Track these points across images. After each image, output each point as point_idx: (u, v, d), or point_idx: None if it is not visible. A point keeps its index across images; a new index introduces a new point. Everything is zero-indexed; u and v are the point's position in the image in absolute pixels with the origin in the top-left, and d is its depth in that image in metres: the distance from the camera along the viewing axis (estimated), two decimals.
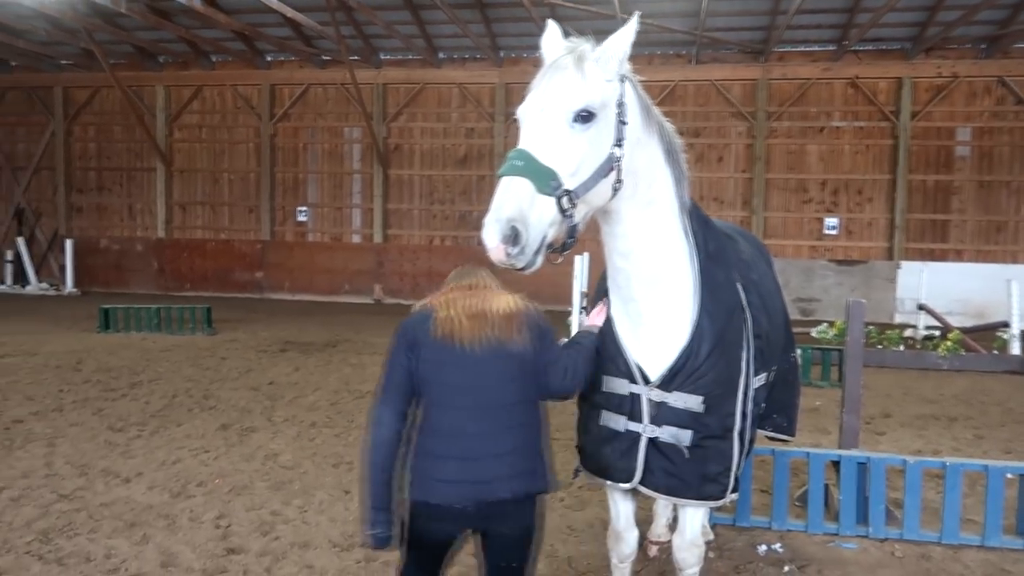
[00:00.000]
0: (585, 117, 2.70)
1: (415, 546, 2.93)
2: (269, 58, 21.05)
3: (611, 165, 2.78)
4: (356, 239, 21.11)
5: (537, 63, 2.86)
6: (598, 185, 2.75)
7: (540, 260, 2.63)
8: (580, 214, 2.72)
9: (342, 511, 5.31)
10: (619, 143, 2.79)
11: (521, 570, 2.98)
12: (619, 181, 2.82)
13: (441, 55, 20.03)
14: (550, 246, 2.65)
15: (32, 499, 5.43)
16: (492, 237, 2.52)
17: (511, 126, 19.61)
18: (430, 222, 20.60)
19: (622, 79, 2.83)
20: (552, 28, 2.95)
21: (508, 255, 2.53)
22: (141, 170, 22.17)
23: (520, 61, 19.60)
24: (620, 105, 2.80)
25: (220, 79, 21.39)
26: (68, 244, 20.61)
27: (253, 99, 21.32)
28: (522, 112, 2.79)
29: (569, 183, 2.64)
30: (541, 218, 2.58)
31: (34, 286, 21.01)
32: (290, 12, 15.11)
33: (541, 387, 3.00)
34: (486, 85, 19.97)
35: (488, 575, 2.98)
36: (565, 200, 2.62)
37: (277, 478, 5.99)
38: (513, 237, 2.52)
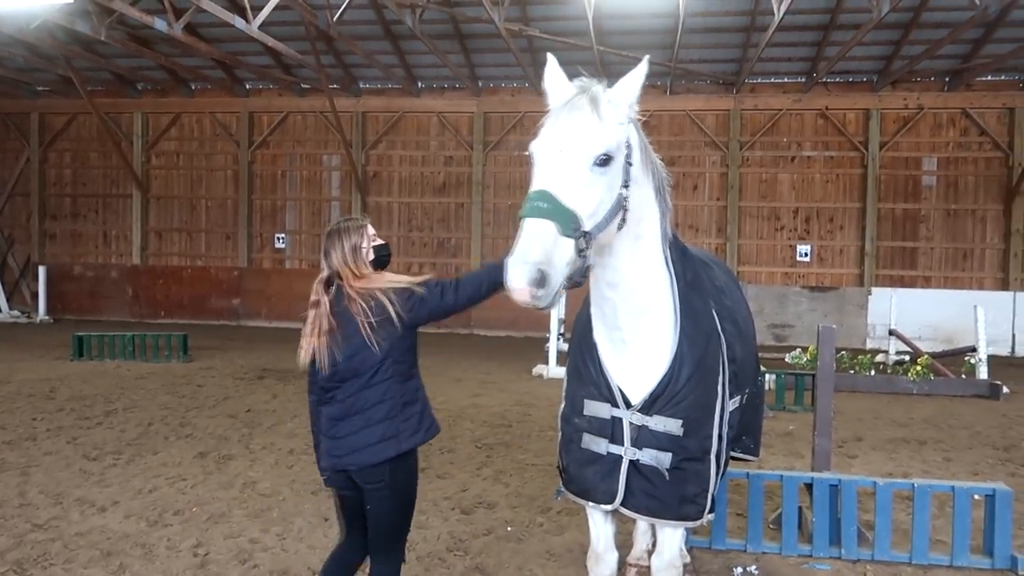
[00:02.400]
0: (604, 160, 2.78)
1: (337, 505, 3.72)
2: (248, 86, 21.15)
3: (621, 205, 2.88)
4: None
5: (515, 93, 2.97)
6: (610, 225, 2.85)
7: (560, 300, 2.72)
8: (591, 253, 2.81)
9: (321, 538, 5.31)
10: (626, 184, 2.90)
11: (389, 522, 3.53)
12: (623, 220, 2.92)
13: (420, 84, 20.27)
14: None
15: (6, 529, 5.36)
16: (519, 279, 2.55)
17: (489, 155, 19.87)
18: (409, 249, 20.67)
19: (628, 120, 2.94)
20: (553, 63, 3.03)
21: (533, 297, 2.58)
22: (117, 196, 22.07)
23: (499, 91, 19.88)
24: (628, 147, 2.92)
25: (199, 106, 21.44)
26: (41, 271, 20.37)
27: (232, 126, 21.37)
28: (538, 150, 2.83)
29: (587, 224, 2.72)
30: (562, 260, 2.64)
31: (5, 313, 20.69)
32: (271, 41, 15.25)
33: (410, 344, 3.50)
34: (465, 114, 20.20)
35: (369, 526, 3.59)
36: (582, 241, 2.69)
37: (255, 506, 5.97)
38: (540, 280, 2.56)
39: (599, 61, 15.76)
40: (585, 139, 2.77)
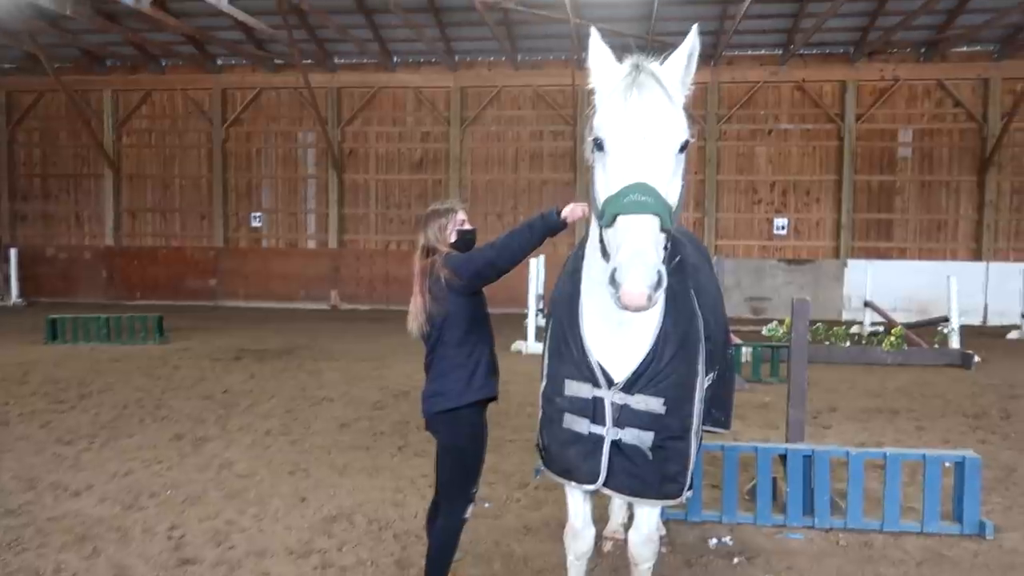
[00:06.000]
0: (683, 148, 2.70)
1: None
2: (220, 62, 20.77)
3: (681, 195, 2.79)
4: (312, 244, 20.94)
5: (492, 67, 2.85)
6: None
7: None
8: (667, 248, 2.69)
9: (298, 519, 5.29)
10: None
11: (443, 473, 3.90)
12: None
13: (395, 59, 20.00)
14: None
15: None
16: (640, 283, 2.40)
17: (467, 130, 19.69)
18: (386, 227, 20.53)
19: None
20: (596, 37, 2.90)
21: (649, 300, 2.44)
22: (88, 176, 21.68)
23: (475, 65, 19.67)
24: None
25: (170, 83, 21.04)
26: (12, 253, 20.02)
27: (204, 103, 21.01)
28: (614, 134, 2.68)
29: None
30: (661, 257, 2.53)
31: None
32: (241, 16, 14.94)
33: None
34: (441, 89, 19.98)
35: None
36: (665, 236, 2.61)
37: (232, 487, 5.94)
38: (658, 282, 2.44)
39: (576, 34, 15.63)
40: (668, 126, 2.65)
